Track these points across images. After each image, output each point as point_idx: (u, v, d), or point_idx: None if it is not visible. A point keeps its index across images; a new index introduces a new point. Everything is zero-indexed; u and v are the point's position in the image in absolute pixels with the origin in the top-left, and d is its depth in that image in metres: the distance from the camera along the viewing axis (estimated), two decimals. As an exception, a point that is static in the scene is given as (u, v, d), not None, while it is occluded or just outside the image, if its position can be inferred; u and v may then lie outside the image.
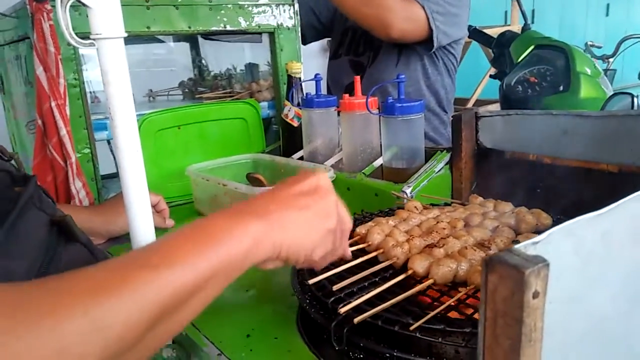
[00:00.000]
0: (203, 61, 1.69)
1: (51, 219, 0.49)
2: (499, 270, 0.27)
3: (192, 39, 1.67)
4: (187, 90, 1.58)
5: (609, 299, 0.39)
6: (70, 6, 0.54)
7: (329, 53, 1.62)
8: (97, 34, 0.55)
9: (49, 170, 0.97)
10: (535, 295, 0.27)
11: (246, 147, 1.29)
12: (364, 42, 1.50)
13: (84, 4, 0.53)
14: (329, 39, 1.66)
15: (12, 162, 0.55)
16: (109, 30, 0.55)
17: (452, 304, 0.55)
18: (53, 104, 0.93)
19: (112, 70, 0.56)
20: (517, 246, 0.29)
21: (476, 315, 0.53)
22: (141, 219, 0.60)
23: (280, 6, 1.27)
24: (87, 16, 0.55)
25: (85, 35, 0.56)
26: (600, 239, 0.36)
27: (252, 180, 1.10)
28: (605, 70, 3.46)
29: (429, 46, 1.36)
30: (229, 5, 1.20)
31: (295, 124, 1.23)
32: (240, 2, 1.21)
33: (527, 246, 0.30)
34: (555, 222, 0.75)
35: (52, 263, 0.46)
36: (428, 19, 1.30)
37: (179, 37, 1.67)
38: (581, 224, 0.33)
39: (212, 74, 1.65)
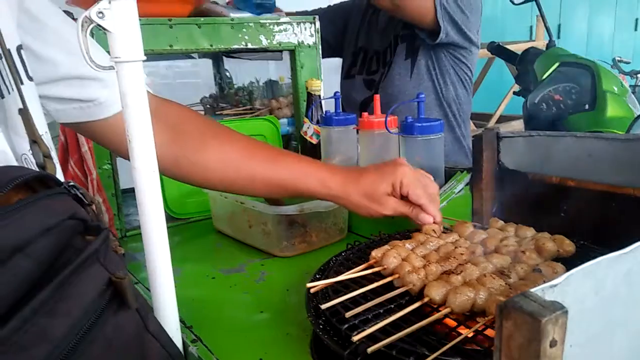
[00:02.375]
0: (225, 76, 1.71)
1: (110, 278, 0.46)
2: (514, 317, 0.26)
3: (214, 55, 1.69)
4: (208, 106, 1.60)
5: (632, 339, 0.37)
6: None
7: (341, 73, 1.63)
8: (116, 57, 0.55)
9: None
10: (553, 344, 0.26)
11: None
12: (377, 60, 1.50)
13: (104, 29, 0.54)
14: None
15: (93, 207, 0.52)
16: (129, 53, 0.55)
17: (469, 335, 0.54)
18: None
19: (130, 92, 0.56)
20: (534, 290, 0.28)
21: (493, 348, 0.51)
22: (157, 239, 0.61)
23: (302, 24, 1.28)
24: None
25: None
26: (623, 279, 0.34)
27: (270, 199, 1.09)
28: (634, 87, 3.39)
29: (434, 37, 1.37)
30: (251, 24, 1.21)
31: (314, 141, 1.23)
32: (261, 21, 1.22)
33: (545, 290, 0.28)
34: (579, 248, 0.73)
35: (95, 327, 0.43)
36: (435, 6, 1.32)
37: (202, 53, 1.69)
38: (602, 265, 0.32)
39: (234, 87, 1.67)
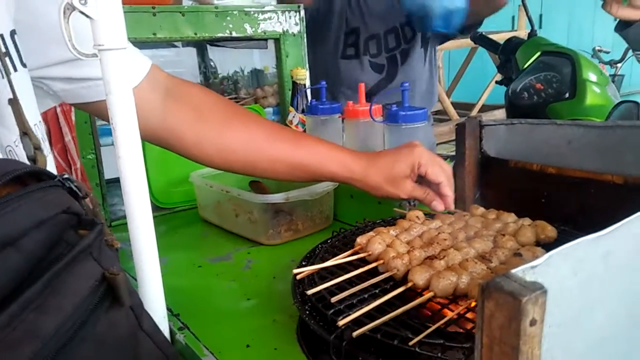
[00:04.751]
0: (210, 65, 1.70)
1: (103, 274, 0.44)
2: (495, 296, 0.27)
3: (199, 44, 1.67)
4: (192, 94, 1.59)
5: (610, 319, 0.39)
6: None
7: (327, 51, 1.54)
8: (99, 45, 0.55)
9: (53, 175, 0.97)
10: (533, 323, 0.27)
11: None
12: (377, 44, 1.50)
13: (86, 16, 0.53)
14: None
15: (88, 200, 0.50)
16: (112, 41, 0.55)
17: (453, 318, 0.55)
18: (58, 109, 0.93)
19: (114, 80, 0.56)
20: (514, 271, 0.29)
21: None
22: (143, 229, 0.61)
23: (287, 12, 1.27)
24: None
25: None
26: (601, 260, 0.35)
27: (255, 188, 1.10)
28: (613, 76, 3.44)
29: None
30: (235, 12, 1.20)
31: (300, 130, 1.23)
32: (246, 9, 1.21)
33: (525, 270, 0.29)
34: (560, 234, 0.74)
35: (87, 325, 0.41)
36: None
37: (186, 42, 1.67)
38: (582, 246, 0.33)
39: (219, 76, 1.66)
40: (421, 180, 0.84)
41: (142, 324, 0.48)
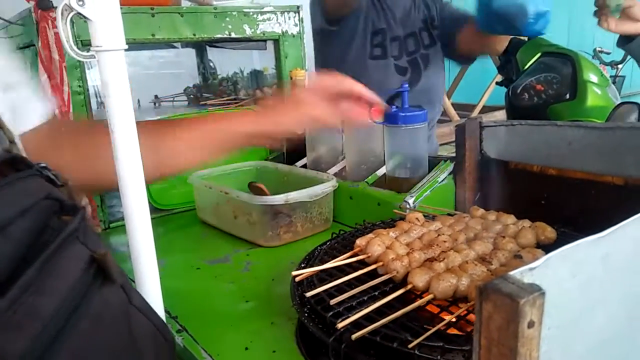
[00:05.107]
0: (209, 66, 1.70)
1: (91, 256, 0.46)
2: (493, 298, 0.27)
3: (198, 45, 1.67)
4: (192, 96, 1.59)
5: (609, 322, 0.38)
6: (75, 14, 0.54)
7: (354, 52, 1.50)
8: (97, 46, 0.55)
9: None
10: (531, 325, 0.26)
11: (250, 154, 1.29)
12: (399, 46, 1.51)
13: (84, 17, 0.53)
14: None
15: (65, 188, 0.51)
16: (110, 42, 0.54)
17: (452, 320, 0.55)
18: (56, 111, 0.93)
19: (112, 82, 0.56)
20: (512, 272, 0.29)
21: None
22: (141, 230, 0.60)
23: (286, 13, 1.27)
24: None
25: (89, 42, 0.56)
26: (600, 262, 0.35)
27: (254, 189, 1.09)
28: (614, 77, 3.44)
29: None
30: (234, 13, 1.20)
31: (299, 131, 1.23)
32: (245, 10, 1.21)
33: (524, 272, 0.29)
34: (560, 235, 0.74)
35: (83, 303, 0.43)
36: None
37: (185, 43, 1.67)
38: (580, 248, 0.33)
39: (218, 77, 1.66)
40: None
41: (132, 299, 0.50)
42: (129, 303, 0.49)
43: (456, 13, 1.56)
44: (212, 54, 1.67)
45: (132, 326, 0.49)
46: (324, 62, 1.53)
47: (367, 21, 1.45)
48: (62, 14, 0.53)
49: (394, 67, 1.50)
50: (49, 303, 0.40)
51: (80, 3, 0.53)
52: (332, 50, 1.47)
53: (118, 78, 0.56)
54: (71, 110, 0.97)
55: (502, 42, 1.50)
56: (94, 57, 0.55)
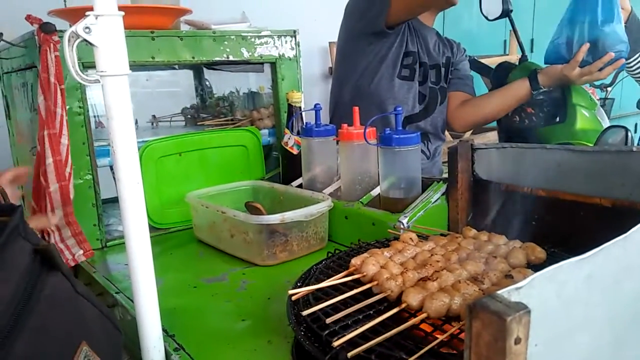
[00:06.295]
0: (206, 87, 1.72)
1: (35, 248, 0.52)
2: (481, 316, 0.28)
3: (195, 66, 1.70)
4: (189, 116, 1.61)
5: (594, 340, 0.40)
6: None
7: (383, 68, 1.50)
8: (102, 71, 0.57)
9: (42, 197, 0.98)
10: (517, 341, 0.28)
11: (246, 174, 1.31)
12: (423, 73, 1.55)
13: (90, 44, 0.55)
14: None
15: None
16: (114, 67, 0.57)
17: (445, 339, 0.56)
18: (46, 132, 0.95)
19: (115, 105, 0.58)
20: (500, 291, 0.31)
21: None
22: (140, 249, 0.62)
23: (282, 37, 1.30)
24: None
25: (91, 65, 0.58)
26: (584, 282, 0.37)
27: (251, 209, 1.11)
28: (604, 99, 3.50)
29: None
30: (232, 37, 1.23)
31: (295, 151, 1.25)
32: (243, 34, 1.24)
33: (511, 292, 0.31)
34: (550, 256, 0.76)
35: (36, 289, 0.49)
36: None
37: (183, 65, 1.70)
38: (564, 269, 0.35)
39: (215, 97, 1.68)
40: None
41: (77, 287, 0.56)
42: (75, 291, 0.55)
43: (462, 76, 1.64)
44: (208, 74, 1.69)
45: (81, 309, 0.55)
46: (352, 70, 1.52)
47: (402, 41, 1.49)
48: (69, 40, 0.55)
49: (416, 92, 1.54)
50: (4, 288, 0.46)
51: (87, 30, 0.55)
52: (365, 60, 1.50)
53: (121, 101, 0.58)
54: (63, 132, 0.98)
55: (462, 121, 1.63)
56: (99, 82, 0.57)
